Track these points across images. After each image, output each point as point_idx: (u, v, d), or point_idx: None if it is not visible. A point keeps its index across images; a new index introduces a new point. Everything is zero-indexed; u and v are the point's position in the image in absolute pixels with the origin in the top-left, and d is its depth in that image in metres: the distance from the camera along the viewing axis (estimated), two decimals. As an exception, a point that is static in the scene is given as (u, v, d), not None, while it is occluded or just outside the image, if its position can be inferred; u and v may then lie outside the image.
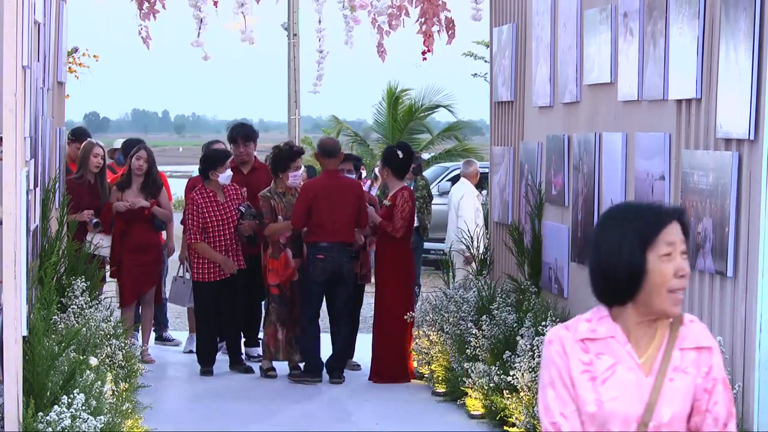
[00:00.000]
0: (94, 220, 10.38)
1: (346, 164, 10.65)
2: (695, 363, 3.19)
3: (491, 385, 8.35)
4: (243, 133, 10.72)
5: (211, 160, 10.11)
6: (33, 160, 7.13)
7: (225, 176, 10.02)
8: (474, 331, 8.97)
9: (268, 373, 10.04)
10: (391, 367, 9.93)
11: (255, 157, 10.89)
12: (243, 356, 10.47)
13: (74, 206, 10.02)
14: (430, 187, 20.68)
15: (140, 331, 10.71)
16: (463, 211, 13.26)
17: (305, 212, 9.75)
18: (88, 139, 10.88)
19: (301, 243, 9.98)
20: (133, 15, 9.41)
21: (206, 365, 10.18)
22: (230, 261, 10.01)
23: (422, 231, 12.57)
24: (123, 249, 10.40)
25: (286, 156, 10.01)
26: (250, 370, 10.21)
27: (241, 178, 10.49)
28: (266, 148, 16.83)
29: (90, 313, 8.10)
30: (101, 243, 10.34)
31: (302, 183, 10.47)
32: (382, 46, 9.58)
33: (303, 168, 11.21)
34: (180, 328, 12.40)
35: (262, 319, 10.39)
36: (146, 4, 9.25)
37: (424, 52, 9.48)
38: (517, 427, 7.81)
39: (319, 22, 9.86)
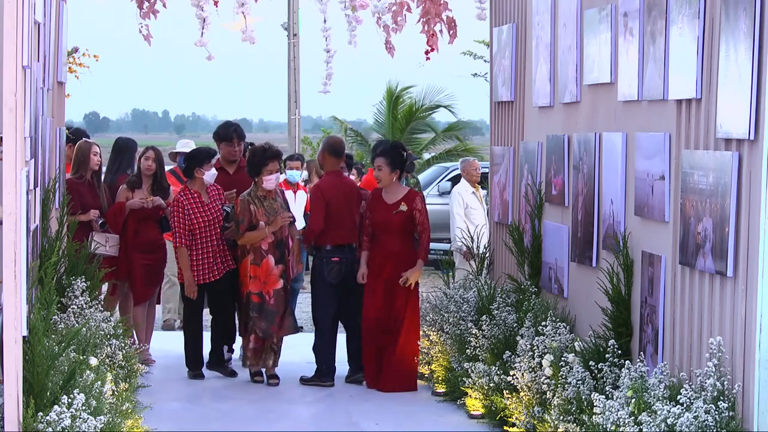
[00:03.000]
0: (101, 220, 10.40)
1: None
2: None
3: (491, 385, 8.36)
4: (239, 131, 10.52)
5: (197, 157, 10.00)
6: (33, 160, 7.13)
7: (211, 174, 9.94)
8: (474, 331, 8.97)
9: (255, 378, 9.87)
10: (412, 374, 9.77)
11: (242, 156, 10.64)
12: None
13: (76, 206, 10.03)
14: (429, 187, 20.77)
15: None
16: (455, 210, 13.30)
17: (324, 213, 9.70)
18: (84, 139, 10.88)
19: (284, 249, 9.73)
20: (133, 15, 9.41)
21: (196, 368, 10.10)
22: (194, 285, 9.83)
23: None
24: (133, 249, 10.40)
25: (259, 159, 9.67)
26: (233, 374, 10.04)
27: (227, 178, 10.33)
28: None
29: (90, 313, 8.10)
30: (108, 242, 10.36)
31: (301, 184, 10.39)
32: (390, 43, 9.56)
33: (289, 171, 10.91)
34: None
35: (238, 327, 10.11)
36: (146, 4, 9.25)
37: (427, 52, 9.47)
38: (517, 427, 7.81)
39: (324, 21, 9.84)
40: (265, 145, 9.88)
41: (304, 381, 9.83)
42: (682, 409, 5.81)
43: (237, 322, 10.30)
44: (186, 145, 11.74)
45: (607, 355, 7.13)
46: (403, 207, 9.57)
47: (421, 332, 9.87)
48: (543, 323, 8.07)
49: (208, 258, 9.87)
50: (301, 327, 12.94)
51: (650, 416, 5.91)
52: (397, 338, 9.56)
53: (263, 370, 9.88)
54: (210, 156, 10.07)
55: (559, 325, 7.97)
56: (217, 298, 10.00)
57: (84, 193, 10.36)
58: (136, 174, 10.56)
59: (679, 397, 5.96)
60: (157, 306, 11.09)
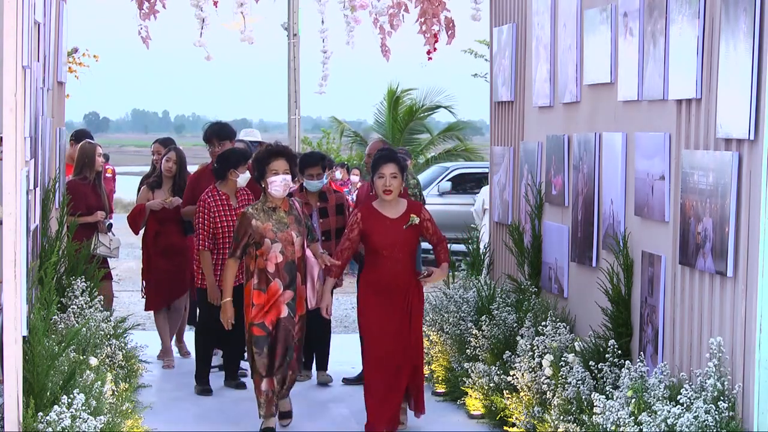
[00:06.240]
0: (108, 222, 10.40)
1: (314, 169, 9.62)
2: None
3: (491, 385, 8.36)
4: (219, 132, 10.13)
5: (232, 158, 9.46)
6: (33, 160, 7.14)
7: (244, 177, 9.41)
8: (474, 331, 8.98)
9: None
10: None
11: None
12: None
13: (80, 207, 10.06)
14: (429, 187, 20.77)
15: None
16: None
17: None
18: (87, 140, 10.88)
19: (296, 273, 8.15)
20: (133, 15, 9.41)
21: (204, 383, 9.63)
22: (217, 290, 9.10)
23: None
24: (155, 253, 10.37)
25: (263, 158, 8.20)
26: (242, 386, 9.63)
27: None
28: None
29: (90, 313, 8.10)
30: (111, 244, 10.36)
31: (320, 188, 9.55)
32: (386, 46, 9.54)
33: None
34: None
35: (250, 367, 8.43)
36: (146, 4, 9.24)
37: (429, 52, 9.45)
38: (517, 427, 7.82)
39: (322, 22, 9.82)
40: (274, 143, 8.53)
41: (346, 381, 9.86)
42: (682, 409, 5.82)
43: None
44: (250, 134, 11.35)
45: (607, 355, 7.13)
46: (415, 219, 8.12)
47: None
48: (543, 323, 8.08)
49: None
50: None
51: (650, 416, 5.91)
52: (412, 357, 8.26)
53: (272, 425, 8.33)
54: (246, 157, 9.51)
55: (559, 325, 7.97)
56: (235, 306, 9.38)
57: (88, 194, 10.37)
58: (157, 175, 10.52)
59: (679, 397, 5.96)
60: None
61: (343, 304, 15.00)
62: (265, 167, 8.09)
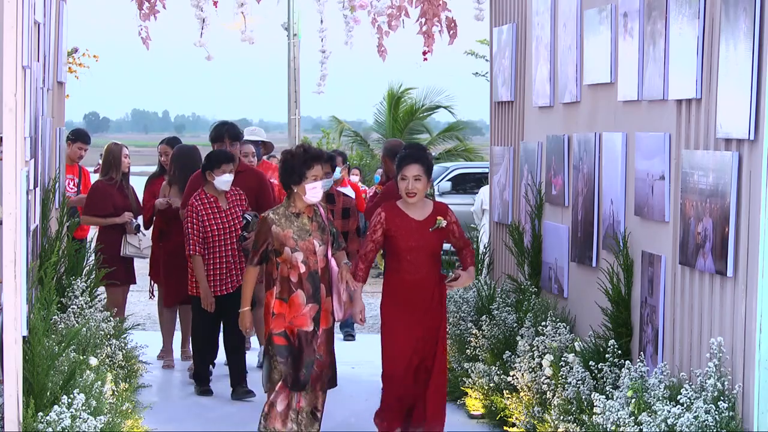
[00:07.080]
0: (135, 222, 10.38)
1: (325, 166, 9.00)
2: None
3: (491, 385, 8.36)
4: (232, 131, 10.03)
5: (212, 160, 9.37)
6: (33, 160, 7.14)
7: (222, 180, 9.28)
8: (474, 331, 8.98)
9: None
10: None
11: (240, 159, 10.06)
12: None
13: (107, 208, 10.09)
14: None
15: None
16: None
17: None
18: (113, 141, 10.92)
19: (319, 284, 7.59)
20: (133, 15, 9.41)
21: (204, 384, 9.59)
22: (211, 296, 9.18)
23: None
24: (160, 250, 10.36)
25: (300, 162, 7.58)
26: (251, 394, 9.43)
27: None
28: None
29: (90, 313, 8.11)
30: (141, 244, 10.37)
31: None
32: (383, 46, 9.53)
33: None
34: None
35: (263, 378, 7.79)
36: (146, 5, 9.24)
37: (425, 53, 9.44)
38: (517, 427, 7.82)
39: (321, 22, 9.81)
40: (304, 145, 7.90)
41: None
42: (682, 409, 5.82)
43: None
44: (254, 133, 11.31)
45: (607, 355, 7.13)
46: (442, 222, 7.60)
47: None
48: (543, 323, 8.08)
49: (221, 269, 9.32)
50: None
51: (650, 416, 5.91)
52: (435, 366, 7.67)
53: None
54: (227, 159, 9.39)
55: (559, 325, 7.98)
56: (231, 313, 9.11)
57: (114, 195, 10.40)
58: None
59: (679, 397, 5.96)
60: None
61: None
62: (305, 171, 7.54)
